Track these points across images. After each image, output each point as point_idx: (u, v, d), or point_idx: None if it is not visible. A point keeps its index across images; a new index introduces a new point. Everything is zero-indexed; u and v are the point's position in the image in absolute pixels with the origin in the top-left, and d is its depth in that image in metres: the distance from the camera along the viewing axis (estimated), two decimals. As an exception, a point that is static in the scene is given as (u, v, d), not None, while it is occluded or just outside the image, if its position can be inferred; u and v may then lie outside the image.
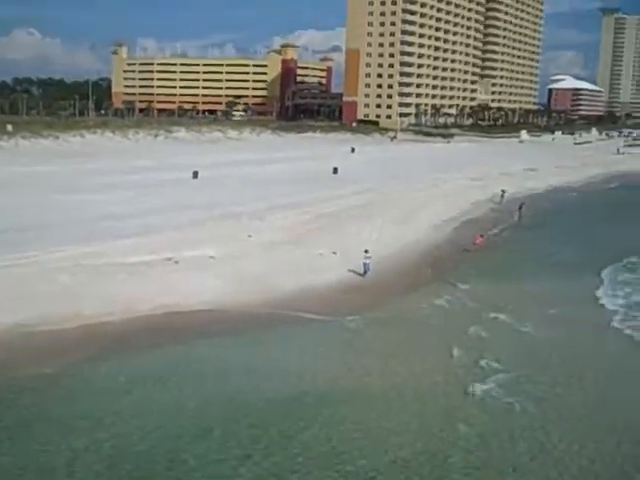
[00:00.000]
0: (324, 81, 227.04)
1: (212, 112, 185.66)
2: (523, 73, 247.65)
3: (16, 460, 16.94)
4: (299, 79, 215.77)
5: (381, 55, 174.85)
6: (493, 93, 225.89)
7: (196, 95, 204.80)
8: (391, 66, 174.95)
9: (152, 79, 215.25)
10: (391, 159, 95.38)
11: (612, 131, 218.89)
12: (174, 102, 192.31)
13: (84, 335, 24.51)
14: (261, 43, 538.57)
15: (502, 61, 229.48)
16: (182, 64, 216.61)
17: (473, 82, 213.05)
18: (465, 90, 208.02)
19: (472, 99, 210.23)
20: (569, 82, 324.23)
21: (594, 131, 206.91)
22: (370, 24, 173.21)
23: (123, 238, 34.32)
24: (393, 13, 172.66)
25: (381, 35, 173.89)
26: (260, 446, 17.88)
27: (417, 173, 73.19)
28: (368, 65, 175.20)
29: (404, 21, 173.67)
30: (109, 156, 79.38)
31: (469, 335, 26.55)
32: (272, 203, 47.43)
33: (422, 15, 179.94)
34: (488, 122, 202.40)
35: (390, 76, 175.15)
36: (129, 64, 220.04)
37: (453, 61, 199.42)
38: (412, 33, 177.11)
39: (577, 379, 23.07)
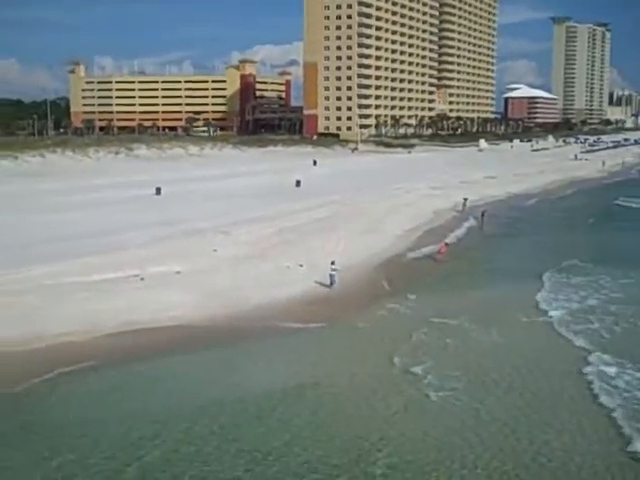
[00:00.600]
0: (283, 95, 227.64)
1: (172, 129, 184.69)
2: (480, 83, 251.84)
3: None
4: (258, 93, 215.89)
5: (339, 68, 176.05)
6: (451, 103, 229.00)
7: (156, 112, 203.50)
8: (349, 78, 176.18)
9: (111, 97, 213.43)
10: (353, 171, 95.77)
11: (569, 137, 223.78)
12: (134, 120, 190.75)
13: (48, 355, 24.23)
14: (219, 59, 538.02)
15: (458, 72, 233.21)
16: (140, 81, 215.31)
17: (431, 92, 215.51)
18: (423, 100, 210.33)
19: (431, 109, 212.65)
20: (524, 91, 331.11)
21: (551, 138, 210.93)
22: (327, 38, 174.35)
23: (87, 256, 34.06)
24: (349, 27, 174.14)
25: (338, 48, 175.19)
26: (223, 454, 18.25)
27: (379, 184, 73.74)
28: (327, 78, 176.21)
29: (360, 34, 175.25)
30: (70, 175, 78.57)
31: (412, 342, 27.11)
32: (236, 218, 47.43)
33: (378, 28, 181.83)
34: (447, 132, 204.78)
35: (349, 88, 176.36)
36: (87, 82, 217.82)
37: (410, 72, 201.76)
38: (369, 46, 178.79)
39: (507, 381, 23.57)
